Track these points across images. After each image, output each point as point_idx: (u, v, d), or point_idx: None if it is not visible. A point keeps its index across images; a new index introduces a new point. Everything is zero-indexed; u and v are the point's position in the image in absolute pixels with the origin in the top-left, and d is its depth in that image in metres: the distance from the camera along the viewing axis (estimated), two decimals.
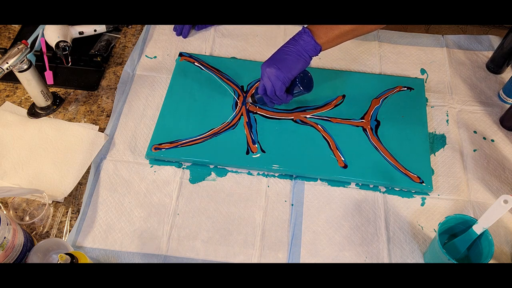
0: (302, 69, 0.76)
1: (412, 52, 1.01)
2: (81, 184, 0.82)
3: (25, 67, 0.81)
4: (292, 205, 0.79)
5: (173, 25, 1.05)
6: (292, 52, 0.75)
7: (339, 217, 0.78)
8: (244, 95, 0.91)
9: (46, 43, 0.96)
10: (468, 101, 0.93)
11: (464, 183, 0.82)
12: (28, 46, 0.80)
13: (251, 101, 0.88)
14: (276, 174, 0.83)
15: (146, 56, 1.00)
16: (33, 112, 0.90)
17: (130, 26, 1.06)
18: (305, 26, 0.77)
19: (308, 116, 0.88)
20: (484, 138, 0.88)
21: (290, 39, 0.77)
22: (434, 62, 1.00)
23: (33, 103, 0.90)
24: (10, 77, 0.86)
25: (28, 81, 0.83)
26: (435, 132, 0.88)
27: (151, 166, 0.83)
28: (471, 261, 0.71)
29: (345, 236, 0.76)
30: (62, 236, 0.76)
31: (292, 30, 1.05)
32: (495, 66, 0.97)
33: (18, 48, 0.78)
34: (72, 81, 0.96)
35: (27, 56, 0.80)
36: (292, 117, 0.88)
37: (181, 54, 0.99)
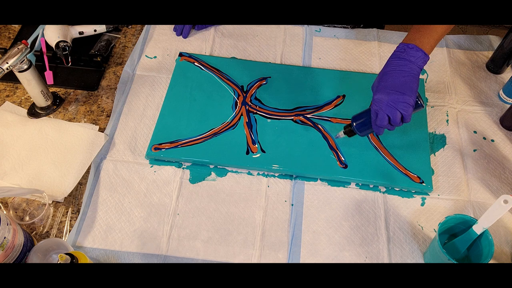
0: (418, 86, 0.70)
1: None
2: (81, 184, 0.82)
3: (25, 67, 0.81)
4: (292, 205, 0.79)
5: (173, 25, 1.05)
6: (406, 72, 0.69)
7: (339, 217, 0.78)
8: (244, 95, 0.91)
9: (46, 43, 0.96)
10: (468, 101, 0.93)
11: (464, 183, 0.82)
12: (28, 46, 0.80)
13: (342, 136, 0.79)
14: (276, 174, 0.83)
15: (146, 56, 1.00)
16: (33, 112, 0.90)
17: (130, 26, 1.06)
18: (404, 41, 0.72)
19: (308, 116, 0.88)
20: (484, 138, 0.88)
21: (394, 59, 0.71)
22: (434, 62, 1.00)
23: (33, 103, 0.90)
24: (10, 77, 0.86)
25: (28, 81, 0.83)
26: (435, 132, 0.88)
27: (151, 166, 0.83)
28: (471, 261, 0.71)
29: (345, 236, 0.76)
30: (62, 236, 0.76)
31: (292, 30, 1.05)
32: (495, 66, 0.97)
33: (18, 48, 0.78)
34: (72, 81, 0.96)
35: (27, 56, 0.80)
36: (292, 117, 0.88)
37: (181, 54, 0.99)
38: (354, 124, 0.76)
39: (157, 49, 1.02)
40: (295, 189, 0.81)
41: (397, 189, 0.81)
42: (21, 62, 0.80)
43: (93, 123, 0.89)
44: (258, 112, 0.89)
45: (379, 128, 0.73)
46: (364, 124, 0.75)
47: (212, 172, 0.83)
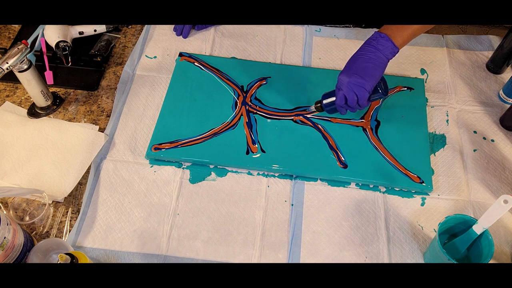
0: (382, 75, 0.74)
1: (412, 52, 1.01)
2: (81, 184, 0.82)
3: (25, 67, 0.81)
4: (292, 205, 0.79)
5: (173, 25, 1.05)
6: (372, 58, 0.73)
7: (339, 217, 0.78)
8: (244, 95, 0.91)
9: (46, 43, 0.96)
10: (468, 101, 0.93)
11: (464, 183, 0.82)
12: (28, 46, 0.80)
13: (314, 109, 0.84)
14: (276, 174, 0.83)
15: (146, 56, 1.00)
16: (33, 112, 0.90)
17: (130, 26, 1.06)
18: (377, 30, 0.75)
19: (308, 116, 0.88)
20: (484, 138, 0.88)
21: (365, 45, 0.75)
22: (434, 62, 1.00)
23: (33, 103, 0.90)
24: (10, 77, 0.86)
25: (28, 81, 0.83)
26: (435, 132, 0.88)
27: (151, 166, 0.83)
28: (471, 261, 0.71)
29: (345, 236, 0.76)
30: (62, 236, 0.76)
31: (292, 30, 1.05)
32: (495, 66, 0.97)
33: (18, 48, 0.78)
34: (72, 81, 0.96)
35: (27, 56, 0.80)
36: (292, 117, 0.88)
37: (181, 54, 0.99)
38: (323, 101, 0.81)
39: (157, 49, 1.02)
40: (295, 189, 0.81)
41: (397, 189, 0.81)
42: (21, 62, 0.80)
43: (93, 123, 0.89)
44: (258, 112, 0.89)
45: (340, 108, 0.78)
46: (332, 103, 0.80)
47: (212, 172, 0.83)
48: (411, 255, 0.74)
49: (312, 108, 0.84)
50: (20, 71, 0.81)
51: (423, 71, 0.98)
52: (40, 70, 0.86)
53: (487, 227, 0.66)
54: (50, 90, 0.91)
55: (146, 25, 1.06)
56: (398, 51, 0.74)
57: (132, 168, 0.83)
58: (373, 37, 0.75)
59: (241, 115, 0.88)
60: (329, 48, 1.02)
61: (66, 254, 0.62)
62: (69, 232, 0.76)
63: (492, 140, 0.87)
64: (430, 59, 1.00)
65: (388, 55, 0.74)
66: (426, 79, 0.97)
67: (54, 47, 0.93)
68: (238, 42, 1.03)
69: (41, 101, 0.88)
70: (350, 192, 0.81)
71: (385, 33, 0.74)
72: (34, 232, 0.76)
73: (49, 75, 0.93)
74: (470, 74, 0.98)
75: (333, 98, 0.79)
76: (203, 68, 0.96)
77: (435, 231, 0.75)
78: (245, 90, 0.92)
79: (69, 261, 0.62)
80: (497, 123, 0.90)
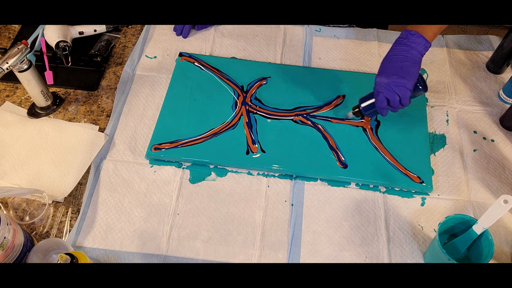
0: (419, 71, 0.74)
1: None
2: (81, 184, 0.82)
3: (25, 67, 0.81)
4: (292, 205, 0.79)
5: (173, 25, 1.05)
6: (407, 57, 0.73)
7: (339, 217, 0.78)
8: (244, 95, 0.91)
9: (46, 43, 0.96)
10: (468, 101, 0.93)
11: (464, 183, 0.82)
12: (28, 46, 0.80)
13: (351, 115, 0.84)
14: (276, 174, 0.83)
15: (146, 56, 1.00)
16: (33, 112, 0.90)
17: (130, 26, 1.06)
18: (407, 28, 0.75)
19: (308, 116, 0.88)
20: (484, 138, 0.88)
21: (396, 44, 0.75)
22: (434, 62, 1.00)
23: (33, 103, 0.90)
24: (10, 77, 0.86)
25: (28, 81, 0.83)
26: (435, 132, 0.88)
27: (151, 166, 0.83)
28: (471, 261, 0.71)
29: (345, 236, 0.76)
30: (62, 236, 0.76)
31: (292, 30, 1.05)
32: (495, 66, 0.97)
33: (18, 48, 0.78)
34: (72, 81, 0.96)
35: (27, 56, 0.80)
36: (292, 117, 0.88)
37: (181, 54, 0.99)
38: (361, 106, 0.81)
39: (157, 49, 1.02)
40: (295, 189, 0.81)
41: (397, 189, 0.81)
42: (21, 62, 0.80)
43: (93, 123, 0.89)
44: (258, 112, 0.89)
45: (381, 110, 0.77)
46: (370, 106, 0.80)
47: (212, 172, 0.83)
48: (411, 255, 0.74)
49: (350, 114, 0.84)
50: (20, 71, 0.81)
51: (423, 71, 0.98)
52: (40, 70, 0.86)
53: (487, 227, 0.66)
54: (50, 90, 0.91)
55: (146, 25, 1.06)
56: (430, 46, 0.74)
57: (132, 168, 0.83)
58: (403, 36, 0.74)
59: (241, 115, 0.88)
60: (329, 48, 1.02)
61: (66, 254, 0.62)
62: (69, 232, 0.76)
63: (492, 140, 0.87)
64: (430, 59, 1.00)
65: (422, 51, 0.74)
66: (426, 79, 0.97)
67: (54, 47, 0.93)
68: (238, 42, 1.03)
69: (41, 101, 0.88)
70: (350, 192, 0.81)
71: (415, 30, 0.73)
72: (34, 232, 0.76)
73: (49, 75, 0.93)
74: (470, 74, 0.98)
75: (372, 101, 0.79)
76: (203, 68, 0.96)
77: (435, 231, 0.75)
78: (245, 90, 0.92)
79: (69, 261, 0.62)
80: (497, 123, 0.90)
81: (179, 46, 1.02)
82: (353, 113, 0.84)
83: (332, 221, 0.78)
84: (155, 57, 1.00)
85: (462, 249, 0.70)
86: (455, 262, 0.63)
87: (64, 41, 0.93)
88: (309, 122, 0.88)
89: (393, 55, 0.75)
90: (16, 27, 1.06)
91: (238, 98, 0.91)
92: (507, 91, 0.92)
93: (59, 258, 0.61)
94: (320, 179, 0.82)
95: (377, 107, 0.77)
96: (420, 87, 0.76)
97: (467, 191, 0.81)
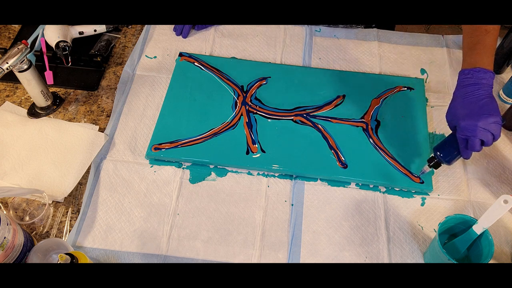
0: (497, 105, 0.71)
1: (412, 52, 1.01)
2: (81, 184, 0.82)
3: (25, 67, 0.81)
4: (292, 205, 0.79)
5: (173, 25, 1.05)
6: (485, 95, 0.70)
7: (339, 217, 0.78)
8: (244, 95, 0.91)
9: (46, 43, 0.96)
10: None
11: (464, 183, 0.82)
12: (28, 46, 0.80)
13: (428, 170, 0.78)
14: (276, 174, 0.83)
15: (146, 56, 1.00)
16: (33, 112, 0.90)
17: (130, 26, 1.06)
18: (466, 67, 0.73)
19: (308, 116, 0.88)
20: None
21: (464, 87, 0.72)
22: (434, 62, 1.00)
23: (33, 103, 0.90)
24: (10, 77, 0.86)
25: (28, 81, 0.83)
26: (435, 132, 0.88)
27: (151, 166, 0.83)
28: (471, 261, 0.71)
29: (345, 236, 0.76)
30: (62, 236, 0.76)
31: (292, 30, 1.05)
32: (495, 66, 0.97)
33: (18, 48, 0.78)
34: (72, 81, 0.96)
35: (27, 56, 0.80)
36: (292, 117, 0.88)
37: (181, 54, 0.99)
38: (441, 155, 0.75)
39: (157, 49, 1.02)
40: (295, 189, 0.81)
41: (397, 189, 0.81)
42: (21, 62, 0.80)
43: (93, 123, 0.89)
44: (258, 112, 0.89)
45: (469, 153, 0.72)
46: (451, 152, 0.74)
47: (212, 172, 0.83)
48: (411, 255, 0.74)
49: (426, 168, 0.78)
50: (20, 71, 0.81)
51: (423, 71, 0.98)
52: (40, 70, 0.86)
53: (487, 227, 0.66)
54: (50, 90, 0.91)
55: (146, 25, 1.06)
56: (495, 75, 0.72)
57: (132, 168, 0.83)
58: (469, 76, 0.72)
59: (241, 115, 0.88)
60: (329, 48, 1.02)
61: (66, 254, 0.62)
62: (69, 232, 0.76)
63: None
64: (430, 59, 1.00)
65: (492, 84, 0.71)
66: (426, 79, 0.97)
67: (54, 47, 0.93)
68: (238, 42, 1.03)
69: (41, 101, 0.88)
70: (350, 192, 0.81)
71: (476, 66, 0.71)
72: (34, 232, 0.76)
73: (49, 75, 0.93)
74: None
75: (450, 146, 0.74)
76: (203, 68, 0.96)
77: (435, 231, 0.75)
78: (245, 90, 0.92)
79: (69, 261, 0.62)
80: None
81: (179, 46, 1.02)
82: (430, 166, 0.77)
83: (332, 221, 0.78)
84: (155, 57, 1.00)
85: (462, 249, 0.70)
86: (455, 262, 0.63)
87: (64, 41, 0.93)
88: (309, 122, 0.88)
89: (469, 95, 0.71)
90: (16, 27, 1.07)
91: (238, 98, 0.91)
92: (507, 91, 0.92)
93: (59, 258, 0.61)
94: (320, 179, 0.82)
95: (467, 151, 0.71)
96: (503, 119, 0.72)
97: (467, 191, 0.81)
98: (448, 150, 0.74)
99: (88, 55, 0.98)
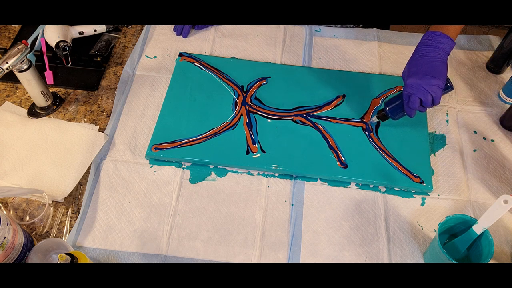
0: (447, 71, 0.75)
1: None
2: (81, 184, 0.82)
3: (25, 67, 0.81)
4: (292, 205, 0.79)
5: (173, 25, 1.05)
6: (436, 58, 0.74)
7: (339, 217, 0.78)
8: (244, 95, 0.91)
9: (46, 43, 0.96)
10: (468, 101, 0.93)
11: (464, 183, 0.82)
12: (28, 46, 0.80)
13: (376, 120, 0.85)
14: (276, 174, 0.83)
15: (146, 56, 1.00)
16: (33, 112, 0.90)
17: (130, 26, 1.06)
18: (428, 28, 0.76)
19: (308, 116, 0.88)
20: (484, 138, 0.88)
21: (421, 46, 0.76)
22: None
23: (33, 103, 0.90)
24: (10, 77, 0.86)
25: (28, 81, 0.83)
26: (435, 132, 0.88)
27: (151, 166, 0.83)
28: (471, 261, 0.71)
29: (345, 236, 0.76)
30: (62, 236, 0.76)
31: (292, 30, 1.05)
32: (495, 66, 0.97)
33: (18, 48, 0.78)
34: (72, 81, 0.96)
35: (27, 56, 0.80)
36: (292, 117, 0.88)
37: (181, 54, 0.99)
38: (387, 108, 0.81)
39: (157, 49, 1.02)
40: (295, 189, 0.81)
41: (397, 189, 0.81)
42: (21, 62, 0.80)
43: (93, 123, 0.89)
44: (258, 112, 0.89)
45: (411, 110, 0.77)
46: (397, 108, 0.80)
47: (212, 172, 0.83)
48: (411, 255, 0.74)
49: (374, 119, 0.85)
50: (20, 71, 0.81)
51: None
52: (40, 70, 0.86)
53: (487, 227, 0.66)
54: (50, 90, 0.91)
55: (146, 25, 1.06)
56: (455, 45, 0.76)
57: (132, 168, 0.83)
58: (428, 37, 0.76)
59: (241, 115, 0.88)
60: (329, 48, 1.02)
61: (66, 254, 0.62)
62: (69, 232, 0.76)
63: (492, 140, 0.87)
64: None
65: (448, 51, 0.75)
66: None
67: (54, 47, 0.93)
68: (238, 42, 1.03)
69: (41, 101, 0.88)
70: (350, 192, 0.81)
71: (439, 30, 0.75)
72: (34, 232, 0.76)
73: (49, 75, 0.93)
74: (470, 74, 0.98)
75: (398, 102, 0.80)
76: (203, 68, 0.96)
77: (435, 231, 0.75)
78: (245, 90, 0.92)
79: (69, 261, 0.62)
80: (497, 123, 0.90)
81: (179, 46, 1.02)
82: (378, 117, 0.84)
83: (332, 221, 0.78)
84: (155, 57, 1.00)
85: (462, 249, 0.70)
86: (455, 262, 0.63)
87: (64, 41, 0.93)
88: (309, 122, 0.88)
89: (420, 56, 0.75)
90: (16, 27, 1.07)
91: (238, 98, 0.91)
92: (507, 91, 0.92)
93: (59, 258, 0.61)
94: (320, 179, 0.82)
95: (408, 108, 0.77)
96: (449, 85, 0.77)
97: (467, 191, 0.81)
98: (395, 105, 0.81)
99: (88, 55, 0.98)
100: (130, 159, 0.84)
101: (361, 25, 1.07)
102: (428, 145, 0.85)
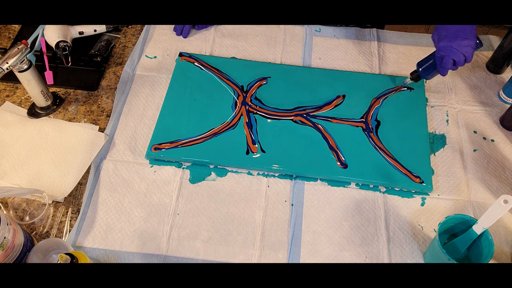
0: (475, 30, 0.78)
1: (412, 52, 1.01)
2: (81, 184, 0.82)
3: (25, 67, 0.81)
4: (292, 205, 0.79)
5: (173, 25, 1.05)
6: None
7: (339, 217, 0.78)
8: (244, 95, 0.91)
9: (46, 43, 0.96)
10: (468, 101, 0.93)
11: (464, 183, 0.82)
12: (28, 46, 0.80)
13: (409, 81, 0.90)
14: (276, 174, 0.83)
15: (146, 56, 1.00)
16: (33, 112, 0.90)
17: (130, 26, 1.06)
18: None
19: (308, 116, 0.88)
20: (484, 138, 0.88)
21: None
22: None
23: (33, 103, 0.90)
24: (10, 77, 0.86)
25: (28, 81, 0.83)
26: (435, 132, 0.88)
27: (151, 166, 0.83)
28: (471, 261, 0.71)
29: (345, 236, 0.76)
30: (62, 236, 0.76)
31: (292, 30, 1.05)
32: (495, 66, 0.97)
33: (18, 48, 0.78)
34: (72, 81, 0.96)
35: (27, 56, 0.80)
36: (292, 117, 0.88)
37: (181, 54, 0.99)
38: (420, 69, 0.87)
39: (157, 49, 1.02)
40: (295, 189, 0.81)
41: (397, 189, 0.81)
42: (21, 62, 0.80)
43: (93, 123, 0.89)
44: (258, 112, 0.89)
45: (445, 70, 0.82)
46: (429, 67, 0.86)
47: (212, 172, 0.83)
48: (411, 255, 0.74)
49: (408, 80, 0.90)
50: (20, 71, 0.81)
51: None
52: (40, 70, 0.86)
53: (487, 227, 0.66)
54: (50, 90, 0.91)
55: (146, 25, 1.06)
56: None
57: (132, 168, 0.83)
58: None
59: (241, 115, 0.88)
60: (329, 48, 1.02)
61: (66, 254, 0.62)
62: (69, 232, 0.76)
63: (492, 140, 0.87)
64: None
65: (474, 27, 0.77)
66: None
67: (54, 47, 0.93)
68: (238, 42, 1.03)
69: (41, 101, 0.88)
70: (350, 192, 0.81)
71: None
72: (34, 232, 0.76)
73: (49, 75, 0.93)
74: (470, 74, 0.98)
75: (430, 62, 0.85)
76: (203, 68, 0.96)
77: (435, 231, 0.75)
78: (245, 90, 0.92)
79: (69, 261, 0.62)
80: (497, 123, 0.90)
81: (179, 46, 1.02)
82: (412, 78, 0.89)
83: (332, 221, 0.78)
84: (155, 57, 1.00)
85: (462, 249, 0.70)
86: (455, 262, 0.63)
87: (64, 41, 0.93)
88: (309, 122, 0.88)
89: None
90: (16, 27, 1.07)
91: (238, 98, 0.91)
92: (507, 91, 0.92)
93: (59, 258, 0.61)
94: (320, 179, 0.82)
95: (442, 68, 0.81)
96: (479, 43, 0.80)
97: (467, 191, 0.81)
98: (428, 65, 0.86)
99: (88, 55, 0.98)
100: (130, 159, 0.84)
101: (362, 25, 1.07)
102: (428, 145, 0.85)
